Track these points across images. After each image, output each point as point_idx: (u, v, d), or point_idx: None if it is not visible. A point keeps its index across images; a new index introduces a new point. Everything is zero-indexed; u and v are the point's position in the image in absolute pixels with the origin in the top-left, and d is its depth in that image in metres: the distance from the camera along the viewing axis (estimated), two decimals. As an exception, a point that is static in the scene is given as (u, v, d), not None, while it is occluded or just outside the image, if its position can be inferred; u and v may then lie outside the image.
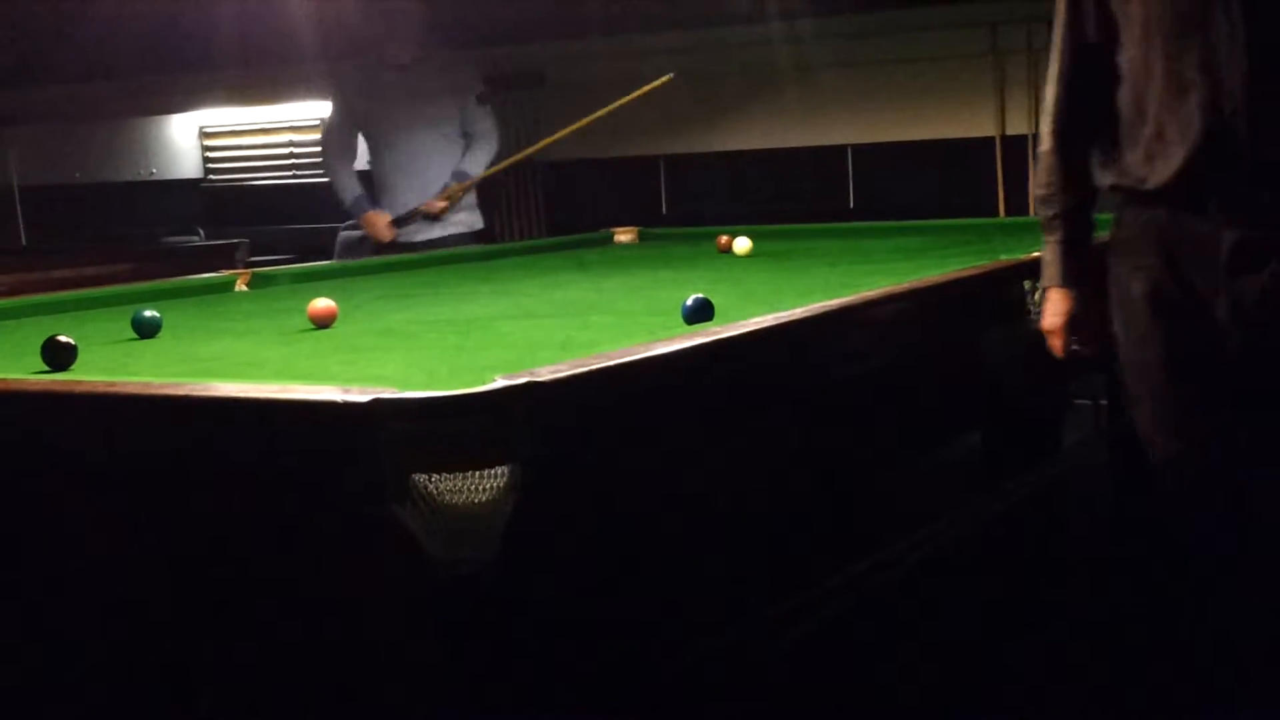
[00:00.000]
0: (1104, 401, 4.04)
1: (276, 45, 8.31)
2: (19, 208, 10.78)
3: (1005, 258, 3.45)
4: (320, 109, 9.64)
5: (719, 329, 2.45)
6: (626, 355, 2.15)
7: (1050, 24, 2.70)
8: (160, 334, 3.20)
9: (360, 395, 1.91)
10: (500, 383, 1.94)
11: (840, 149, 7.98)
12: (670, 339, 2.32)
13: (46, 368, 2.63)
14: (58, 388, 2.29)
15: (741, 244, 4.94)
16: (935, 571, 3.01)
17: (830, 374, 2.67)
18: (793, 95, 8.00)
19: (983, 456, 3.34)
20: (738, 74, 8.14)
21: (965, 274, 3.23)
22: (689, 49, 8.10)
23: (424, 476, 1.88)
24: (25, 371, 2.61)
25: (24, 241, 10.43)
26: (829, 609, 2.53)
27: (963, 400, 3.24)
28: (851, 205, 7.94)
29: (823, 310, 2.65)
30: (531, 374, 1.99)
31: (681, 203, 8.54)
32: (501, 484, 1.90)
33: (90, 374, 2.58)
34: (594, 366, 2.07)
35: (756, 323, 2.49)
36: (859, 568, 2.64)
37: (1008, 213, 7.13)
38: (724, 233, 5.09)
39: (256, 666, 2.06)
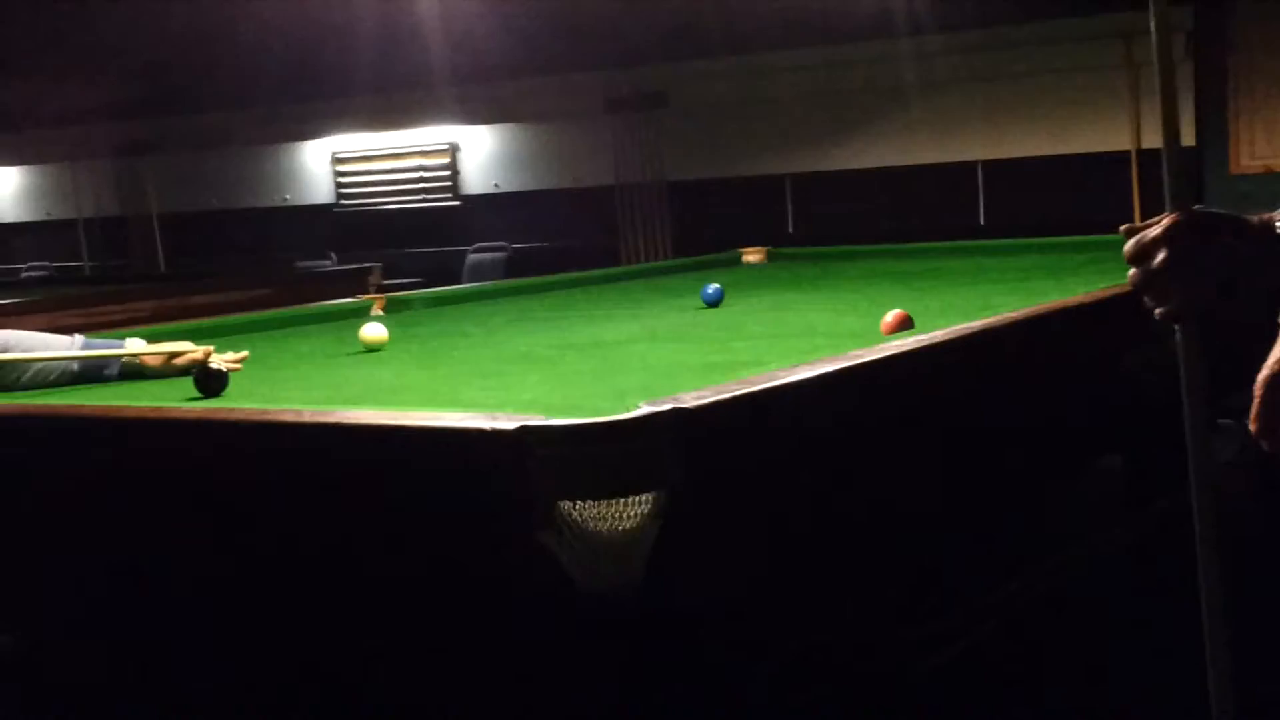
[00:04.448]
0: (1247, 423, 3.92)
1: (407, 71, 8.45)
2: (158, 234, 11.10)
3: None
4: (450, 133, 9.79)
5: (861, 353, 2.43)
6: (769, 380, 2.15)
7: (1188, 34, 2.57)
8: (306, 360, 3.27)
9: (508, 422, 1.93)
10: (646, 409, 1.95)
11: (970, 165, 7.90)
12: (811, 363, 2.31)
13: (199, 395, 2.70)
14: (214, 416, 2.34)
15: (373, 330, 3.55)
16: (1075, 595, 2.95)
17: (972, 396, 2.63)
18: (920, 111, 7.94)
19: (1127, 478, 3.27)
20: (863, 90, 8.10)
21: (1111, 292, 3.17)
22: (813, 66, 8.09)
23: (570, 503, 1.88)
24: (178, 399, 2.68)
25: (163, 267, 10.72)
26: (980, 629, 2.49)
27: (1108, 421, 3.18)
28: (982, 222, 7.85)
29: (965, 332, 2.62)
30: (676, 400, 1.99)
31: (807, 221, 8.52)
32: (646, 510, 1.90)
33: (240, 400, 2.64)
34: (738, 392, 2.06)
35: (899, 345, 2.46)
36: (1009, 588, 2.60)
37: (1143, 227, 6.99)
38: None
39: (404, 690, 2.09)
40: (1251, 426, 1.92)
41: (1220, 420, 3.97)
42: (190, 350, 3.05)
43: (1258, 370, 1.97)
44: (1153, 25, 1.61)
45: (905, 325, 2.98)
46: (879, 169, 8.19)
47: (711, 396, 2.02)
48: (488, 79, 8.71)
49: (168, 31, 8.25)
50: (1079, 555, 3.03)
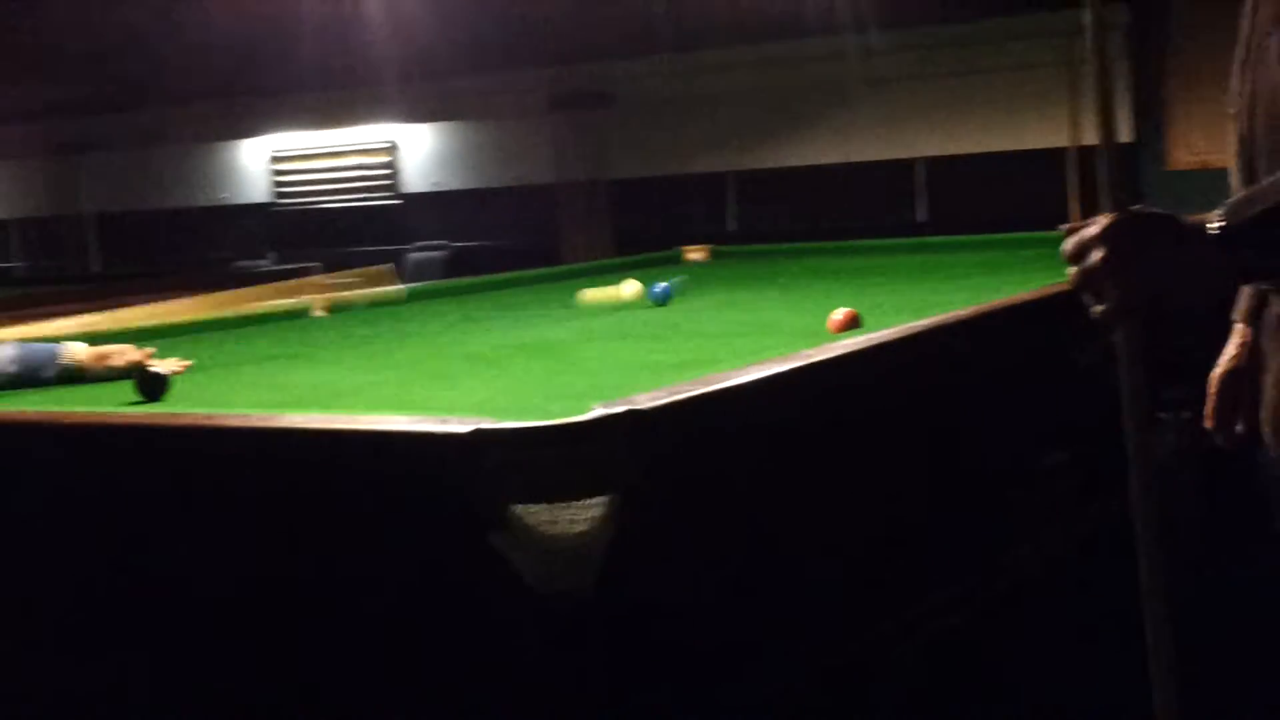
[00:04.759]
0: (1187, 414, 3.95)
1: (346, 69, 8.38)
2: (92, 235, 10.94)
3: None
4: (390, 131, 9.72)
5: (813, 352, 2.42)
6: (723, 380, 2.13)
7: (1127, 32, 2.58)
8: (249, 362, 3.22)
9: (460, 425, 1.90)
10: (600, 411, 1.92)
11: (909, 162, 7.94)
12: (763, 362, 2.29)
13: (139, 398, 2.65)
14: (155, 421, 2.30)
15: (630, 288, 4.30)
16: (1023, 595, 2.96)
17: (924, 394, 2.63)
18: (862, 108, 7.97)
19: (1078, 475, 3.28)
20: (807, 88, 8.12)
21: (1057, 289, 3.17)
22: (756, 63, 8.10)
23: (523, 506, 1.86)
24: (116, 403, 2.63)
25: (97, 268, 10.58)
26: (938, 626, 2.49)
27: (1056, 417, 3.19)
28: (923, 219, 7.89)
29: (916, 330, 2.62)
30: (630, 401, 1.97)
31: (749, 219, 8.52)
32: (601, 513, 1.88)
33: (182, 405, 2.59)
34: (692, 393, 2.04)
35: (855, 343, 2.46)
36: (969, 583, 2.60)
37: (1082, 223, 7.06)
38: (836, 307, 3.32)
39: (356, 697, 2.05)
40: (1206, 423, 1.93)
41: (1159, 414, 4.00)
42: (129, 353, 3.00)
43: (1207, 367, 1.99)
44: (1088, 24, 1.62)
45: (854, 324, 2.97)
46: (821, 166, 8.22)
47: (666, 397, 2.00)
48: (428, 77, 8.64)
49: (102, 29, 8.13)
50: (1033, 552, 3.04)
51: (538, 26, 7.99)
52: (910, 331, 2.60)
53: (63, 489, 2.21)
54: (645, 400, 1.98)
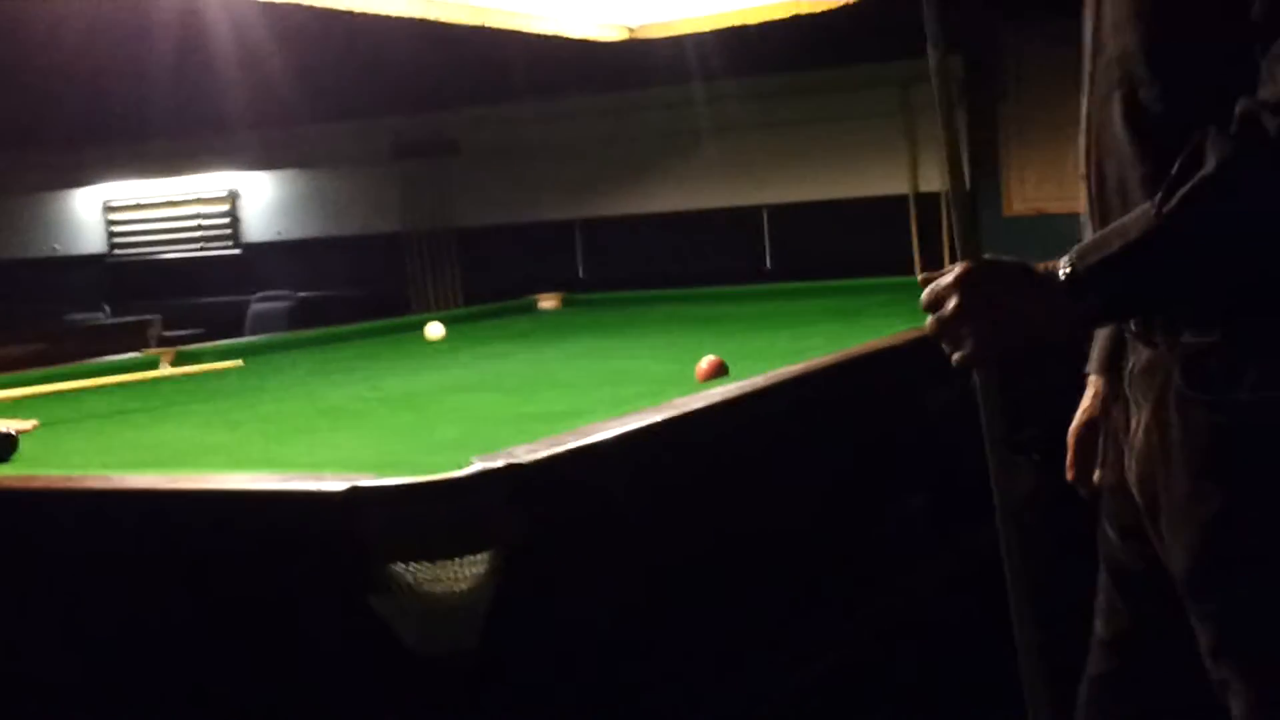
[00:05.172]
0: (1037, 457, 4.03)
1: (183, 116, 8.19)
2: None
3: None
4: (230, 179, 9.54)
5: (685, 400, 2.42)
6: (603, 431, 2.12)
7: (960, 82, 2.61)
8: (98, 418, 3.11)
9: (336, 483, 1.85)
10: (479, 465, 1.89)
11: (756, 209, 8.04)
12: (641, 412, 2.29)
13: (-14, 461, 2.54)
14: (18, 484, 2.19)
15: (434, 330, 4.77)
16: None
17: (794, 439, 2.65)
18: (708, 156, 8.06)
19: (931, 518, 3.34)
20: (653, 135, 8.19)
21: (916, 334, 3.24)
22: (604, 111, 8.15)
23: (403, 565, 1.82)
24: (-38, 465, 2.51)
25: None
26: (812, 669, 2.51)
27: (915, 458, 3.25)
28: (768, 265, 7.99)
29: (787, 376, 2.64)
30: (509, 455, 1.95)
31: (598, 267, 8.54)
32: (483, 570, 1.85)
33: (32, 466, 2.49)
34: (572, 445, 2.02)
35: (729, 390, 2.47)
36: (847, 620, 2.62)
37: (923, 269, 7.22)
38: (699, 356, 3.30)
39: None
40: (1068, 475, 1.97)
41: (1016, 456, 4.08)
42: None
43: (1067, 419, 2.02)
44: (934, 72, 1.66)
45: (720, 371, 2.99)
46: (667, 213, 8.28)
47: (545, 450, 1.98)
48: (270, 124, 8.50)
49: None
50: (903, 588, 3.08)
51: (382, 73, 7.91)
52: (783, 377, 2.62)
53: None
54: (524, 453, 1.96)
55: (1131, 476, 1.67)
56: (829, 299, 5.28)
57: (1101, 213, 1.62)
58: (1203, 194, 1.39)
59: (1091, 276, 1.44)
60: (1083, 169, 1.70)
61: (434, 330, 4.76)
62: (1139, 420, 1.65)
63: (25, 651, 2.07)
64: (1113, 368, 1.79)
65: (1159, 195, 1.41)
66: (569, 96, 8.05)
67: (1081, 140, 1.69)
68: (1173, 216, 1.40)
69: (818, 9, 4.55)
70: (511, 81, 7.62)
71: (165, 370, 4.13)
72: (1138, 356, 1.65)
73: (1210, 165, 1.39)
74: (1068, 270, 1.45)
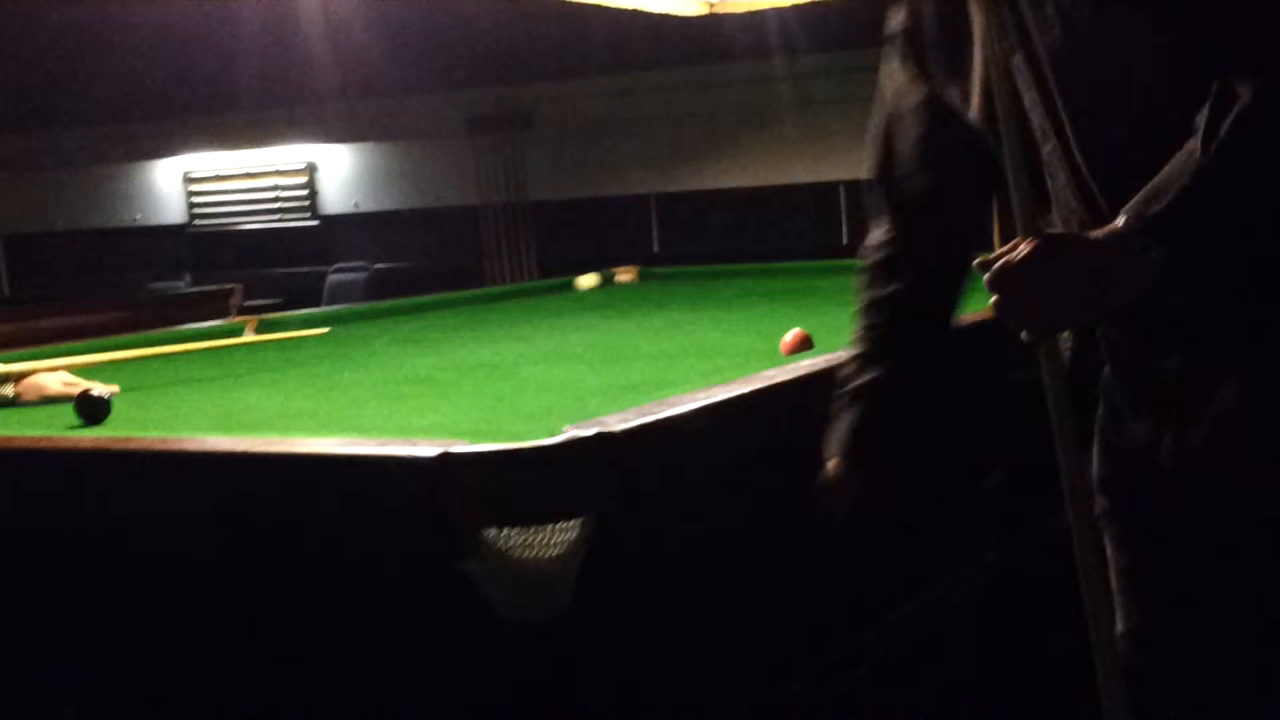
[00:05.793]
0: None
1: (263, 89, 8.26)
2: (1, 257, 10.69)
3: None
4: (308, 152, 9.62)
5: (774, 372, 2.41)
6: (693, 401, 2.11)
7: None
8: (184, 383, 3.15)
9: (429, 449, 1.87)
10: (571, 434, 1.90)
11: (833, 185, 7.99)
12: (730, 383, 2.28)
13: (81, 422, 2.58)
14: (116, 445, 2.23)
15: (587, 281, 5.35)
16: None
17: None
18: (786, 132, 8.01)
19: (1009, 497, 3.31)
20: (732, 111, 8.15)
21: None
22: (682, 86, 8.12)
23: (495, 531, 1.83)
24: (59, 427, 2.56)
25: (7, 291, 10.34)
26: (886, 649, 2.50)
27: (994, 439, 3.21)
28: (845, 241, 7.94)
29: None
30: (601, 424, 1.95)
31: (673, 242, 8.53)
32: (573, 537, 1.85)
33: (125, 428, 2.53)
34: (663, 414, 2.02)
35: (816, 363, 2.45)
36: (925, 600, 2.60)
37: (1001, 243, 7.14)
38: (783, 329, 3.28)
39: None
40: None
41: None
42: (51, 378, 2.92)
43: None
44: (993, 62, 1.62)
45: (806, 345, 2.97)
46: (743, 188, 8.25)
47: (636, 419, 1.98)
48: (348, 97, 8.56)
49: (11, 48, 7.95)
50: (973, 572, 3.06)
51: (459, 47, 7.94)
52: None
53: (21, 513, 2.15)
54: (616, 422, 1.96)
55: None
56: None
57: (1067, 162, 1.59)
58: (1245, 127, 1.40)
59: (1157, 224, 1.43)
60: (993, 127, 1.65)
61: (587, 280, 5.44)
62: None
63: (114, 604, 2.11)
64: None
65: (1200, 139, 1.42)
66: (646, 71, 8.03)
67: (977, 102, 1.67)
68: (1221, 152, 1.40)
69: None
70: (589, 56, 7.61)
71: (251, 336, 4.17)
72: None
73: (1245, 99, 1.40)
74: (1132, 225, 1.44)
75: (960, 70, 1.73)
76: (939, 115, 1.83)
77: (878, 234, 1.96)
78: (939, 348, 1.97)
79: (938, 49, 1.78)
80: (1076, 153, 1.60)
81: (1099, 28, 1.54)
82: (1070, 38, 1.56)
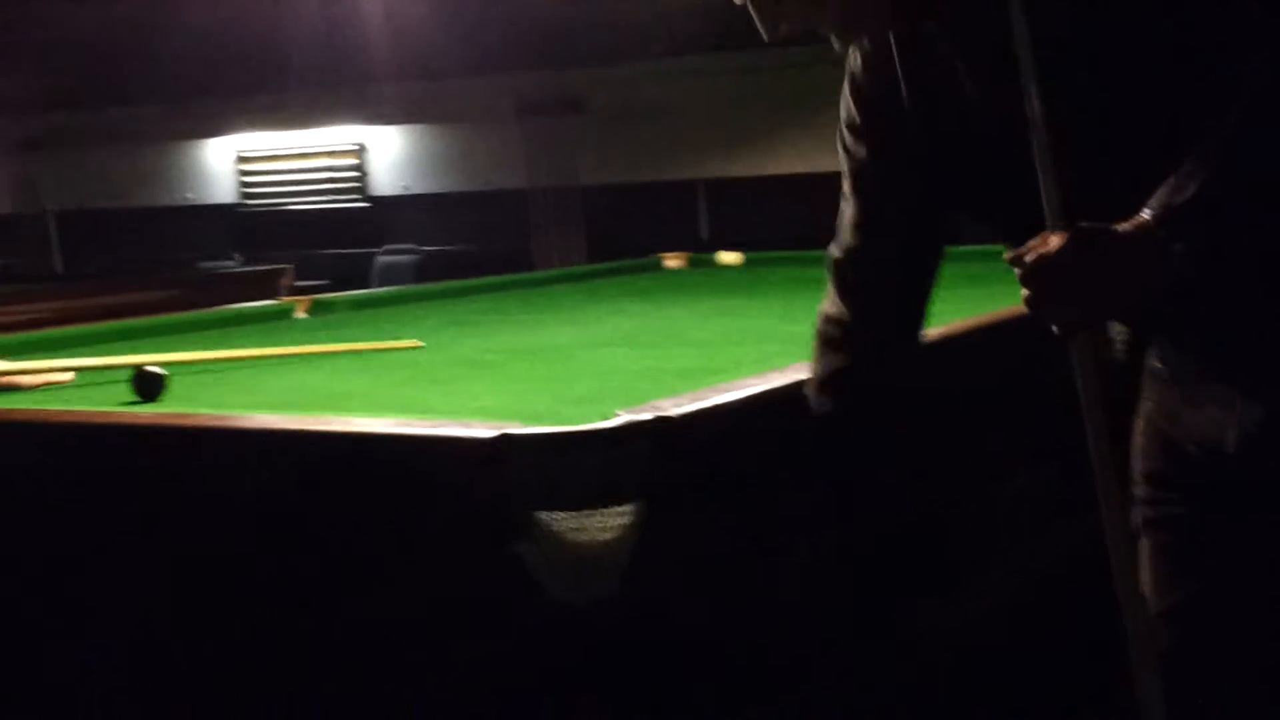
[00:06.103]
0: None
1: (314, 70, 8.30)
2: (54, 234, 10.79)
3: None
4: (358, 133, 9.65)
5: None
6: (748, 387, 2.11)
7: None
8: (245, 361, 3.17)
9: (485, 430, 1.87)
10: (625, 418, 1.89)
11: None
12: (785, 369, 2.27)
13: (138, 399, 2.60)
14: (177, 422, 2.24)
15: (728, 257, 5.40)
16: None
17: (948, 397, 2.61)
18: (836, 119, 7.96)
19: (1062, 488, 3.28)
20: (781, 97, 8.11)
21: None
22: (732, 71, 8.09)
23: (549, 513, 1.83)
24: (112, 402, 2.58)
25: (59, 268, 10.44)
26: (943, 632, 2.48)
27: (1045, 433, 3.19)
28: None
29: (936, 336, 2.60)
30: (655, 408, 1.94)
31: (721, 228, 8.51)
32: (626, 521, 1.85)
33: (178, 405, 2.55)
34: (718, 400, 2.02)
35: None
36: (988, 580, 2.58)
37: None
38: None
39: (374, 705, 2.02)
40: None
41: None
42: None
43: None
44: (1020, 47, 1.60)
45: None
46: (793, 175, 8.21)
47: (691, 404, 1.98)
48: (398, 79, 8.58)
49: (67, 26, 8.02)
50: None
51: (509, 31, 7.95)
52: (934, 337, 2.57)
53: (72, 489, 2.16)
54: (671, 406, 1.96)
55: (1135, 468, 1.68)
56: (957, 264, 5.16)
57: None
58: (1260, 111, 1.42)
59: (1185, 212, 1.43)
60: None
61: (729, 257, 5.69)
62: (1143, 415, 1.67)
63: (167, 579, 2.12)
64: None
65: (1222, 128, 1.42)
66: (696, 56, 8.00)
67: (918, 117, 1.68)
68: (1240, 139, 1.42)
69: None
70: (640, 40, 7.60)
71: (332, 345, 3.91)
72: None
73: (1256, 87, 1.42)
74: (1160, 214, 1.43)
75: (945, 83, 1.72)
76: (885, 177, 1.92)
77: (828, 306, 1.97)
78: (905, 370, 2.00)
79: (911, 73, 1.76)
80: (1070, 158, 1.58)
81: (1094, 35, 1.54)
82: (1063, 46, 1.55)
